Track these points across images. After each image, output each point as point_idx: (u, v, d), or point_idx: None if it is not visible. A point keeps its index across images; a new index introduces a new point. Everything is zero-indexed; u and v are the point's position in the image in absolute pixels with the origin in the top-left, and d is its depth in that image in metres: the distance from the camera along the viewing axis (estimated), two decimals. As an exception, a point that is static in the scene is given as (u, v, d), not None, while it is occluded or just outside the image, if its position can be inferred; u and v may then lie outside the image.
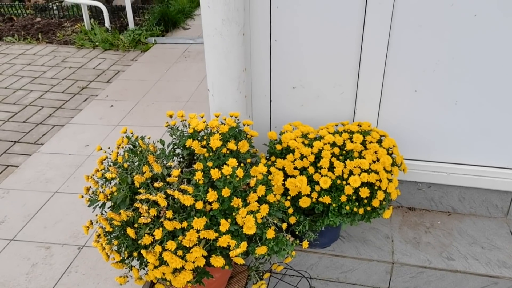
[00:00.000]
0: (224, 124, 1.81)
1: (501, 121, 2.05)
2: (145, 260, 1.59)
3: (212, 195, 1.55)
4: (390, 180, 1.84)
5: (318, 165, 1.82)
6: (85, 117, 3.61)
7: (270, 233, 1.60)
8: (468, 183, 2.22)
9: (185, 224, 1.53)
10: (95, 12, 6.09)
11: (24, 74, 4.54)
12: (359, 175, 1.78)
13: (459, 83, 1.99)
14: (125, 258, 1.68)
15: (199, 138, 1.80)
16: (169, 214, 1.54)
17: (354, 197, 1.80)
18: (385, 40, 1.93)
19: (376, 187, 1.81)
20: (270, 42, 2.03)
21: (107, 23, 5.56)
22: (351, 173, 1.79)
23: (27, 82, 4.36)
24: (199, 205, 1.54)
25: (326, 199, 1.78)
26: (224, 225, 1.52)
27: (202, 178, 1.60)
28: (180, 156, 1.86)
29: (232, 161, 1.63)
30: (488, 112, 2.04)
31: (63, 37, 5.56)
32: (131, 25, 5.53)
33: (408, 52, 1.96)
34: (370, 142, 1.90)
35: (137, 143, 1.85)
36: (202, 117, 1.89)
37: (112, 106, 3.77)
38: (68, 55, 5.04)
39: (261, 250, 1.60)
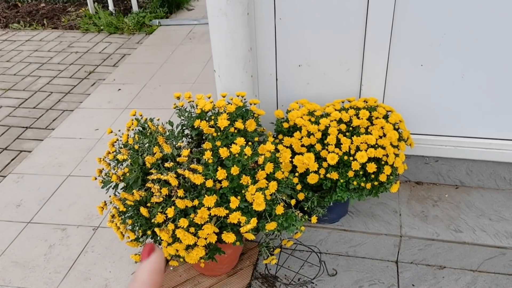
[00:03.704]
0: (231, 104, 1.84)
1: (509, 93, 2.05)
2: (158, 238, 1.64)
3: (221, 174, 1.58)
4: (397, 155, 1.86)
5: (325, 142, 1.85)
6: (93, 101, 3.65)
7: (279, 209, 1.64)
8: (476, 156, 2.23)
9: (196, 202, 1.57)
10: (98, -4, 6.07)
11: (32, 61, 4.57)
12: (366, 150, 1.80)
13: (466, 56, 1.99)
14: (140, 236, 1.73)
15: (207, 119, 1.83)
16: (181, 193, 1.58)
17: (361, 173, 1.82)
18: (390, 14, 1.92)
19: (383, 162, 1.83)
20: (275, 20, 2.04)
21: (111, 7, 5.55)
22: (358, 149, 1.82)
23: (35, 68, 4.39)
24: (209, 183, 1.58)
25: (334, 175, 1.80)
26: (234, 202, 1.56)
27: (211, 157, 1.63)
28: (189, 136, 1.89)
29: (240, 140, 1.66)
30: (495, 85, 2.04)
31: (68, 22, 5.57)
32: (135, 7, 5.51)
33: (414, 26, 1.95)
34: (377, 118, 1.92)
35: (146, 125, 1.88)
36: (209, 97, 1.92)
37: (119, 89, 3.80)
38: (73, 40, 5.05)
39: (271, 226, 1.64)
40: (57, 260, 2.16)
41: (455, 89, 2.08)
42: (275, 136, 2.00)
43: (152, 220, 1.61)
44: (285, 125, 1.97)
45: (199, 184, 1.59)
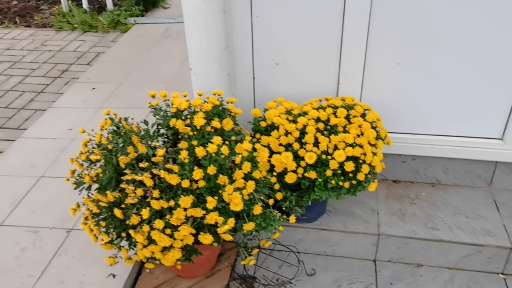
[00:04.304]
0: (208, 103, 1.81)
1: (482, 92, 2.08)
2: (133, 240, 1.60)
3: (198, 173, 1.55)
4: (374, 154, 1.86)
5: (303, 140, 1.83)
6: (67, 101, 3.56)
7: (257, 209, 1.62)
8: (452, 154, 2.25)
9: (172, 203, 1.54)
10: (73, -7, 5.94)
11: (3, 59, 4.44)
12: (344, 149, 1.79)
13: (441, 55, 2.00)
14: (114, 239, 1.69)
15: (183, 118, 1.79)
16: (156, 193, 1.55)
17: (339, 171, 1.82)
18: (367, 12, 1.92)
19: (360, 161, 1.83)
20: (251, 18, 2.01)
21: (85, 4, 5.44)
22: (336, 147, 1.81)
23: (6, 67, 4.27)
24: (186, 183, 1.55)
25: (312, 174, 1.79)
26: (211, 202, 1.53)
27: (188, 157, 1.60)
28: (165, 136, 1.86)
29: (217, 139, 1.63)
30: (470, 83, 2.06)
31: (41, 20, 5.43)
32: (109, 5, 5.41)
33: (390, 25, 1.96)
34: (354, 116, 1.91)
35: (120, 125, 1.84)
36: (185, 96, 1.88)
37: (94, 88, 3.72)
38: (47, 38, 4.93)
39: (249, 226, 1.62)
40: (30, 264, 2.09)
41: (431, 88, 2.10)
42: (252, 135, 1.98)
43: (127, 222, 1.57)
44: (263, 124, 1.95)
45: (175, 184, 1.56)
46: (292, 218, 1.76)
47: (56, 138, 3.06)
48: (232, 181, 1.59)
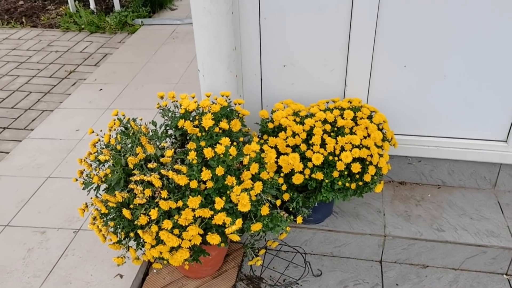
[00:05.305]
0: (216, 104, 1.82)
1: (488, 94, 2.08)
2: (142, 240, 1.61)
3: (206, 174, 1.56)
4: (381, 155, 1.87)
5: (310, 142, 1.84)
6: (74, 102, 3.58)
7: (265, 210, 1.63)
8: (457, 156, 2.25)
9: (180, 203, 1.55)
10: (79, -6, 5.97)
11: (10, 59, 4.47)
12: (351, 150, 1.80)
13: (447, 57, 2.01)
14: (122, 239, 1.70)
15: (191, 119, 1.80)
16: (164, 194, 1.56)
17: (346, 173, 1.82)
18: (374, 15, 1.93)
19: (367, 162, 1.83)
20: (259, 20, 2.03)
21: (92, 5, 5.47)
22: (342, 149, 1.82)
23: (13, 68, 4.29)
24: (194, 184, 1.56)
25: (319, 175, 1.80)
26: (219, 203, 1.54)
27: (196, 158, 1.61)
28: (173, 137, 1.87)
29: (225, 140, 1.64)
30: (475, 86, 2.07)
31: (47, 21, 5.46)
32: (117, 6, 5.44)
33: (397, 27, 1.97)
34: (361, 118, 1.92)
35: (129, 125, 1.85)
36: (193, 97, 1.90)
37: (101, 89, 3.74)
38: (53, 38, 4.96)
39: (256, 226, 1.63)
40: (36, 264, 2.11)
41: (437, 90, 2.10)
42: (260, 136, 1.99)
43: (135, 222, 1.59)
44: (270, 125, 1.96)
45: (183, 185, 1.57)
46: (299, 219, 1.76)
47: (63, 138, 3.08)
48: (240, 182, 1.60)
